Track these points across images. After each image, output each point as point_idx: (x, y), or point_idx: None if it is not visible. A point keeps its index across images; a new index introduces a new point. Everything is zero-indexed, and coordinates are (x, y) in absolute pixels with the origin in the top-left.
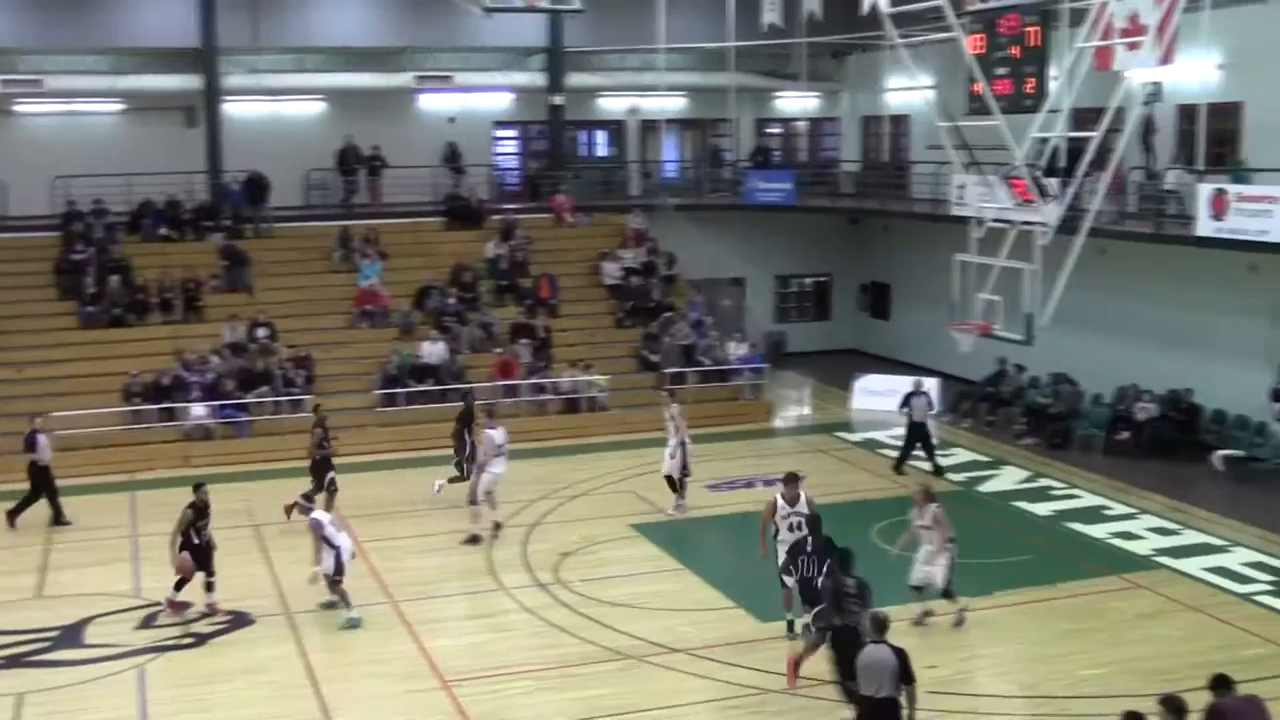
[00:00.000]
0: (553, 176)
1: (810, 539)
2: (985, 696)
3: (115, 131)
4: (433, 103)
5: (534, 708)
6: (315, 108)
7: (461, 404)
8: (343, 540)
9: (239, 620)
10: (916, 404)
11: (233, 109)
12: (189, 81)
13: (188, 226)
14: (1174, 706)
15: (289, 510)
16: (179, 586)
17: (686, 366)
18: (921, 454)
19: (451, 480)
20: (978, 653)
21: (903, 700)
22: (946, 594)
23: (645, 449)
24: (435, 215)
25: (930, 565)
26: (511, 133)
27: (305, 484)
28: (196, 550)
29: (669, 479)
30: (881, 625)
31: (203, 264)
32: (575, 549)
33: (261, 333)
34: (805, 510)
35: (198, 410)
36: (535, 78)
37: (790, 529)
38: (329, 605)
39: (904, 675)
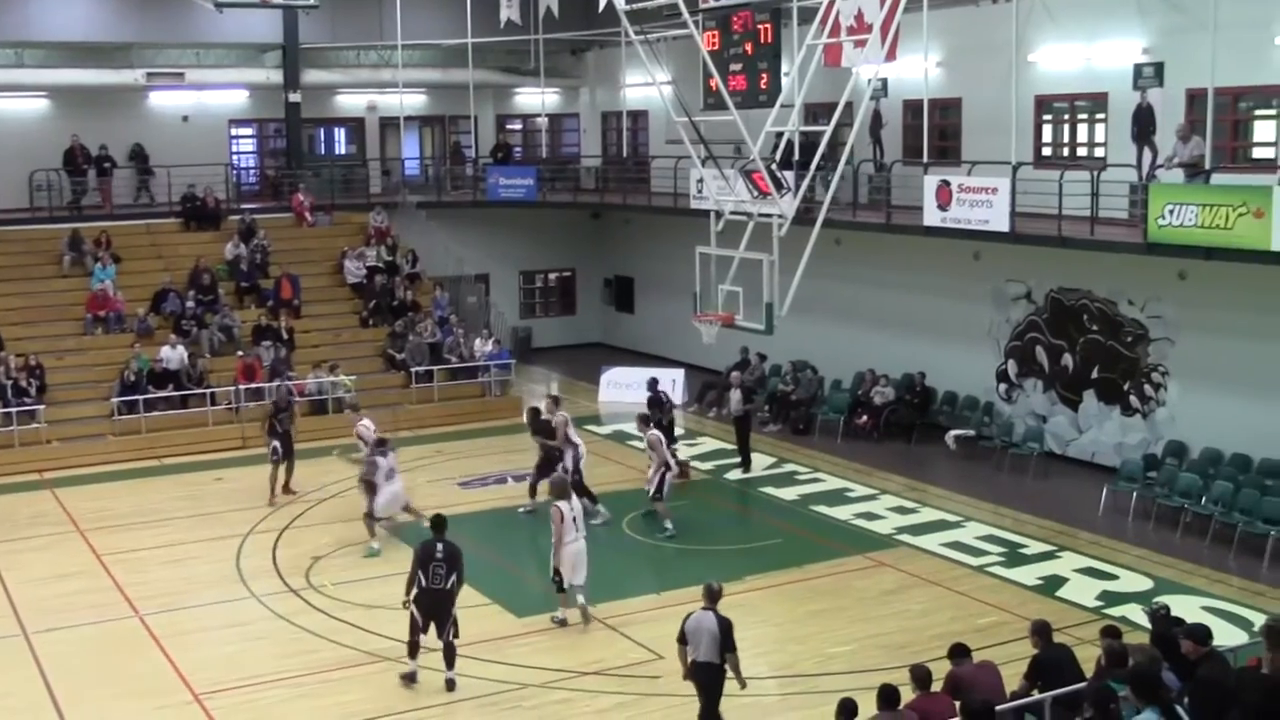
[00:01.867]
0: (291, 175)
1: None
2: None
3: None
4: (165, 100)
5: (291, 716)
6: (38, 105)
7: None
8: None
9: None
10: (733, 397)
11: None
12: None
13: None
14: (919, 676)
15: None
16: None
17: (433, 364)
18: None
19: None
20: None
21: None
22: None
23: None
24: (171, 216)
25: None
26: (248, 131)
27: (42, 497)
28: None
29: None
30: (713, 595)
31: None
32: (327, 552)
33: None
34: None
35: None
36: (271, 75)
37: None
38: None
39: (725, 644)
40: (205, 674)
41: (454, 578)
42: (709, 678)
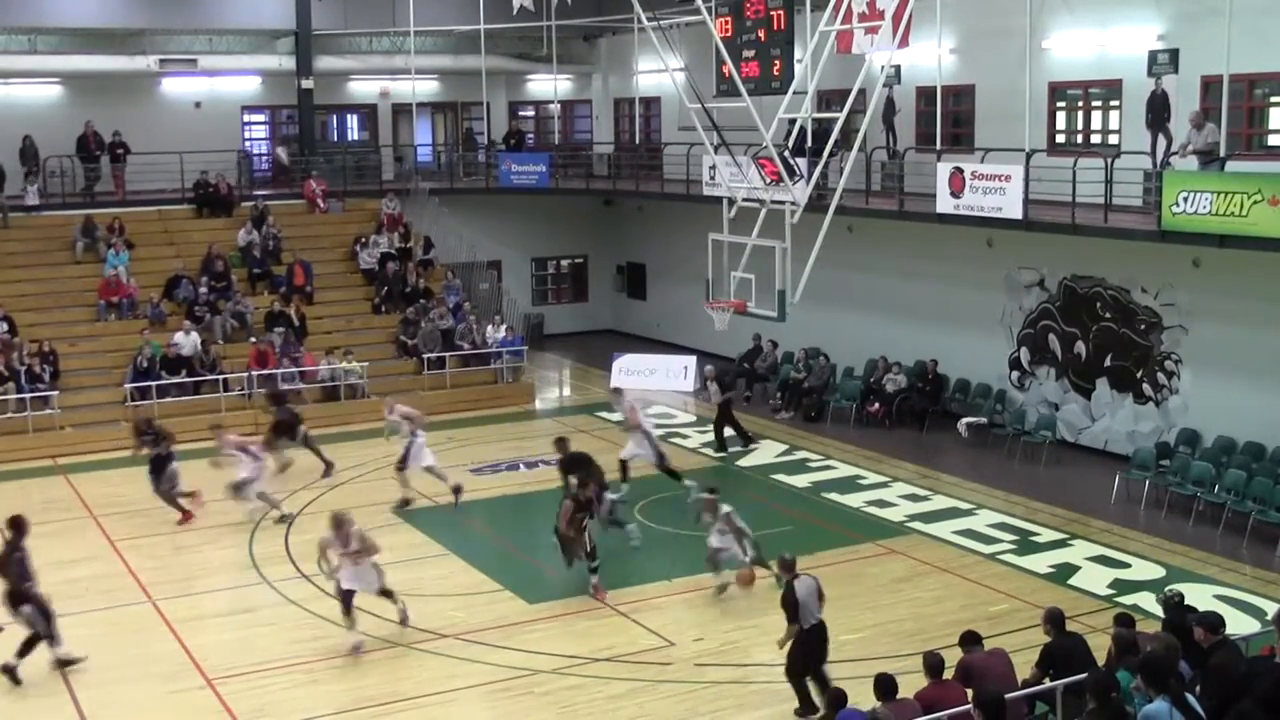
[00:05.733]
0: (304, 161)
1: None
2: (752, 666)
3: None
4: (178, 87)
5: (302, 701)
6: (51, 91)
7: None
8: None
9: None
10: (714, 388)
11: None
12: None
13: None
14: (931, 664)
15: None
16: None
17: (445, 351)
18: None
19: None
20: (743, 623)
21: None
22: None
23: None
24: (183, 203)
25: None
26: (260, 117)
27: (55, 483)
28: None
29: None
30: (793, 563)
31: None
32: None
33: (0, 327)
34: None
35: None
36: (283, 61)
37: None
38: None
39: (820, 595)
40: (217, 659)
41: None
42: (823, 635)
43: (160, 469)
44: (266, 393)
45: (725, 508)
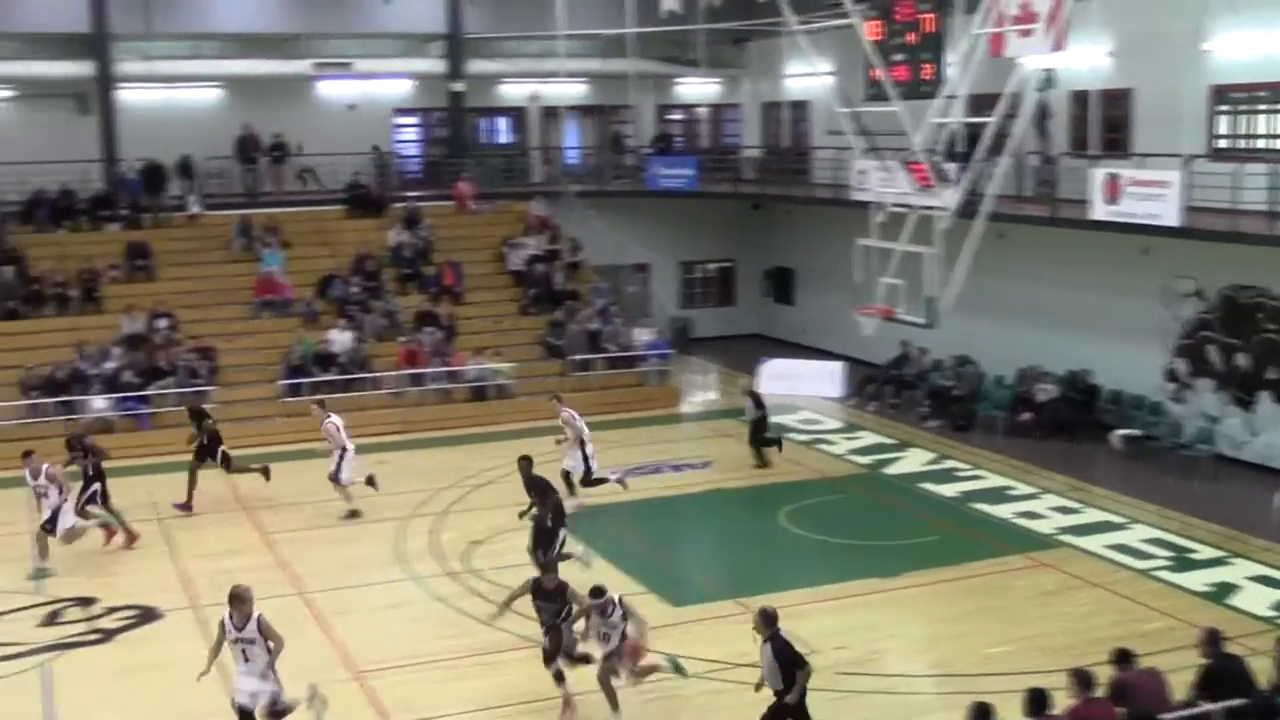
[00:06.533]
0: (454, 164)
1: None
2: (896, 676)
3: (4, 119)
4: (333, 90)
5: (448, 697)
6: (212, 95)
7: None
8: None
9: (147, 615)
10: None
11: (127, 96)
12: (81, 68)
13: (83, 216)
14: (1082, 679)
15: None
16: None
17: (592, 353)
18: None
19: None
20: (887, 633)
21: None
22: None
23: (552, 435)
24: (336, 203)
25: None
26: (412, 120)
27: (211, 475)
28: None
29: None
30: (773, 618)
31: (100, 254)
32: (485, 537)
33: (162, 324)
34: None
35: (98, 403)
36: (435, 64)
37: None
38: None
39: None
40: (363, 653)
41: None
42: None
43: (88, 486)
44: (189, 408)
45: (614, 595)
